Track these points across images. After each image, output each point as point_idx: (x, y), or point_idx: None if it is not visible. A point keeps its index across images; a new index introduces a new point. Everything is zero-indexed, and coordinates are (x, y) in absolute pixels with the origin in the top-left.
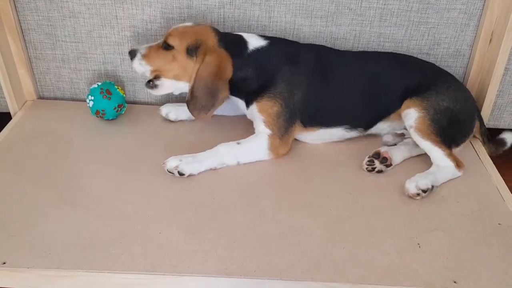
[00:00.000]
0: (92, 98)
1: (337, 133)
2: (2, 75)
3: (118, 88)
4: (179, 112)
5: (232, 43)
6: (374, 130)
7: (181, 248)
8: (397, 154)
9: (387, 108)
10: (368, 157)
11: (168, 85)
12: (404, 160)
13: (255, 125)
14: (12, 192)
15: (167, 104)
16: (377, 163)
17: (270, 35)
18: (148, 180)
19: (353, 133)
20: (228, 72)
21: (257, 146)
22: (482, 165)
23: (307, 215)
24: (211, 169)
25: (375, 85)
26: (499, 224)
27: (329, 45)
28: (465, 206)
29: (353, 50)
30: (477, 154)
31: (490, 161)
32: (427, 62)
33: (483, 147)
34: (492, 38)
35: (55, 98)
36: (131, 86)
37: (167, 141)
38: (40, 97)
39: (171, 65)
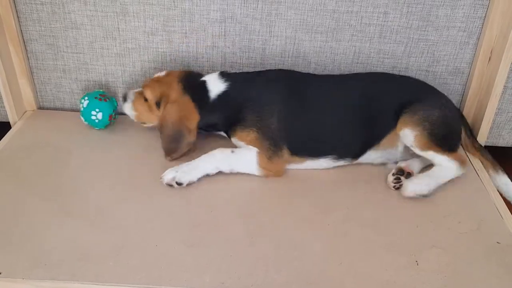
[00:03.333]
0: (87, 99)
1: (325, 163)
2: (2, 85)
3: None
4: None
5: (196, 90)
6: (365, 159)
7: (178, 261)
8: (416, 166)
9: (374, 134)
10: (393, 175)
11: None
12: None
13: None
14: (9, 202)
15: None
16: (403, 179)
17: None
18: (147, 192)
19: (341, 162)
20: (193, 117)
21: (249, 159)
22: (480, 183)
23: (305, 230)
24: (207, 175)
25: (358, 111)
26: (497, 242)
27: (329, 60)
28: (464, 224)
29: (330, 74)
30: (476, 171)
31: (488, 178)
32: (402, 76)
33: (482, 164)
34: (491, 56)
35: (55, 109)
36: None
37: None
38: (40, 107)
39: (149, 115)
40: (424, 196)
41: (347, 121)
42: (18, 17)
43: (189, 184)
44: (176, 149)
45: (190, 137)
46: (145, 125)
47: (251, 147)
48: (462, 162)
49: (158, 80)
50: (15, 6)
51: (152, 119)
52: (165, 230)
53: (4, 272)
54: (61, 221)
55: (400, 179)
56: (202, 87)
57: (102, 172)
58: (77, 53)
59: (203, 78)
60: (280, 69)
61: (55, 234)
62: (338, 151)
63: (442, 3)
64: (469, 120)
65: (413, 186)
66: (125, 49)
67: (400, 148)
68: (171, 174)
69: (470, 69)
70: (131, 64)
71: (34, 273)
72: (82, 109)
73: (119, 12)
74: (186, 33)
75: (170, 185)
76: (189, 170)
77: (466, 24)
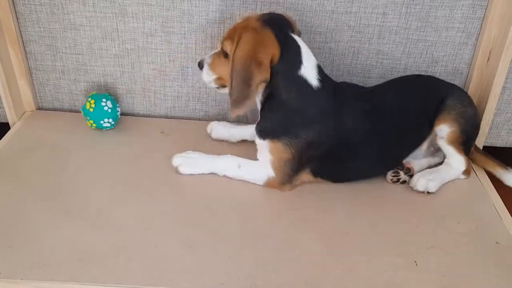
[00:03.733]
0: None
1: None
2: (1, 86)
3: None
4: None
5: (286, 41)
6: None
7: (177, 262)
8: (417, 165)
9: (414, 143)
10: (393, 169)
11: None
12: None
13: (259, 156)
14: (8, 202)
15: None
16: (401, 174)
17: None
18: (146, 192)
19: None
20: (272, 48)
21: (257, 174)
22: (480, 184)
23: (304, 231)
24: (211, 173)
25: (398, 129)
26: (496, 243)
27: (328, 61)
28: (463, 224)
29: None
30: (475, 171)
31: (488, 179)
32: (427, 77)
33: (483, 165)
34: (490, 56)
35: (54, 109)
36: (130, 99)
37: (165, 153)
38: (39, 108)
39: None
40: (430, 192)
41: (389, 143)
42: (17, 18)
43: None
44: (247, 96)
45: (262, 74)
46: (221, 91)
47: (266, 165)
48: (467, 171)
49: (235, 28)
50: (14, 7)
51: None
52: (164, 231)
53: (3, 273)
54: (61, 222)
55: (399, 173)
56: (296, 51)
57: (101, 173)
58: (76, 54)
59: (298, 41)
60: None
61: (54, 235)
62: (373, 173)
63: (441, 3)
64: None
65: (425, 182)
66: (124, 50)
67: (425, 146)
68: (178, 161)
69: (469, 69)
70: (130, 65)
71: (33, 273)
72: (92, 110)
73: (118, 13)
74: (185, 34)
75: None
76: (193, 165)
77: (465, 24)
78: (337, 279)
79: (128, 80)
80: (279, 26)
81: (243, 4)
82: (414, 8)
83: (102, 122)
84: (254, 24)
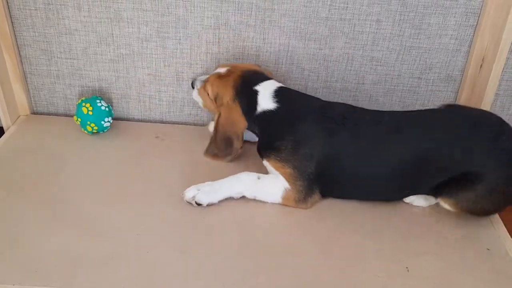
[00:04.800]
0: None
1: None
2: None
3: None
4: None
5: (246, 99)
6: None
7: (171, 267)
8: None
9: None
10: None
11: None
12: None
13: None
14: (1, 207)
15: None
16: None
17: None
18: (140, 198)
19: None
20: (241, 125)
21: (275, 192)
22: None
23: (298, 236)
24: (231, 198)
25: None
26: (487, 249)
27: (322, 67)
28: (455, 230)
29: (390, 111)
30: None
31: None
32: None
33: None
34: (483, 63)
35: (49, 114)
36: (125, 103)
37: (159, 158)
38: (34, 112)
39: (211, 106)
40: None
41: (402, 172)
42: (12, 22)
43: (209, 205)
44: (226, 152)
45: (239, 143)
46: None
47: (281, 178)
48: None
49: (216, 79)
50: (9, 12)
51: (214, 111)
52: (157, 237)
53: None
54: (54, 227)
55: None
56: (253, 98)
57: (95, 178)
58: (70, 58)
59: (256, 88)
60: (336, 103)
61: (47, 240)
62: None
63: (434, 11)
64: None
65: (420, 201)
66: (119, 55)
67: None
68: (192, 192)
69: (462, 76)
70: (125, 70)
71: (26, 279)
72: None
73: (113, 18)
74: (180, 39)
75: (190, 203)
76: (210, 191)
77: (458, 32)
78: (329, 285)
79: (123, 84)
80: (243, 93)
81: (237, 10)
82: (408, 15)
83: (103, 122)
84: (228, 101)
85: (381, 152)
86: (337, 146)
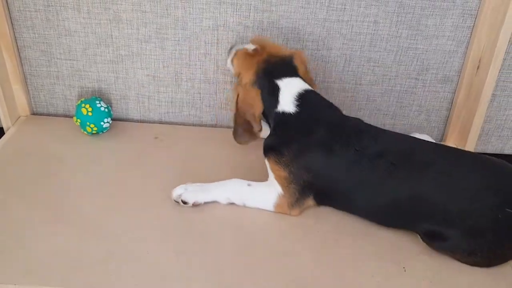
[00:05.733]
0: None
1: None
2: None
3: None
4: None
5: (267, 90)
6: None
7: (169, 269)
8: None
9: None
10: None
11: None
12: None
13: (269, 174)
14: (1, 208)
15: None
16: None
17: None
18: (139, 199)
19: None
20: (257, 108)
21: (266, 198)
22: None
23: (295, 238)
24: (216, 202)
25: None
26: None
27: (320, 68)
28: None
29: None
30: None
31: None
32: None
33: None
34: (480, 64)
35: (49, 114)
36: (124, 104)
37: (158, 159)
38: (34, 113)
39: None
40: None
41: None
42: (12, 24)
43: (195, 205)
44: (246, 136)
45: (258, 126)
46: None
47: (274, 183)
48: None
49: (241, 56)
50: (9, 13)
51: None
52: (156, 238)
53: None
54: (53, 228)
55: None
56: (274, 93)
57: (94, 179)
58: (70, 60)
59: (278, 83)
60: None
61: (47, 240)
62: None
63: (431, 12)
64: (458, 127)
65: None
66: (118, 56)
67: None
68: (179, 190)
69: (459, 77)
70: (124, 71)
71: (25, 279)
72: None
73: (112, 19)
74: (179, 40)
75: (177, 202)
76: (197, 191)
77: (454, 33)
78: (327, 286)
79: (122, 85)
80: (269, 76)
81: (236, 11)
82: (405, 16)
83: (102, 123)
84: (247, 80)
85: (375, 188)
86: (333, 169)
